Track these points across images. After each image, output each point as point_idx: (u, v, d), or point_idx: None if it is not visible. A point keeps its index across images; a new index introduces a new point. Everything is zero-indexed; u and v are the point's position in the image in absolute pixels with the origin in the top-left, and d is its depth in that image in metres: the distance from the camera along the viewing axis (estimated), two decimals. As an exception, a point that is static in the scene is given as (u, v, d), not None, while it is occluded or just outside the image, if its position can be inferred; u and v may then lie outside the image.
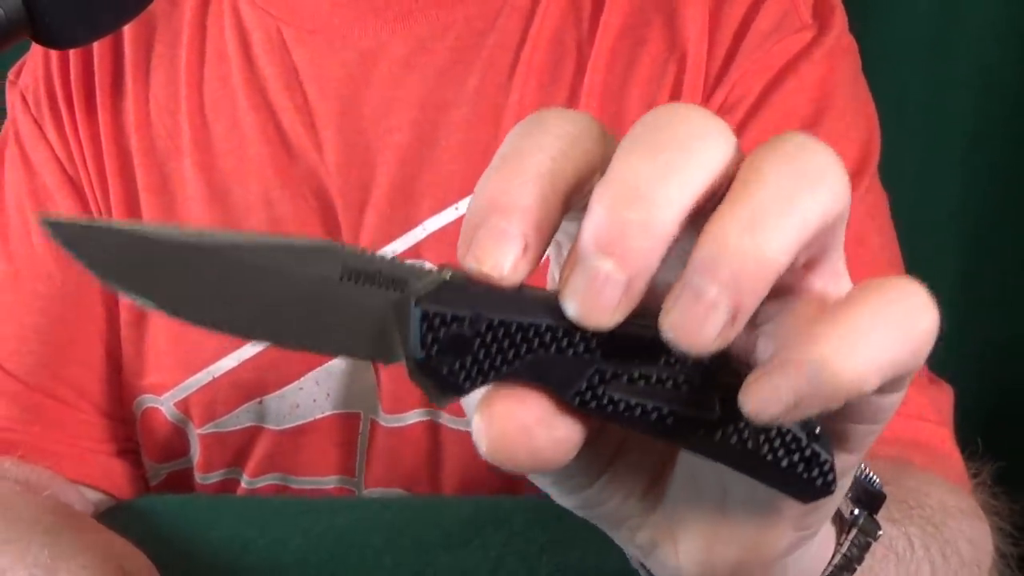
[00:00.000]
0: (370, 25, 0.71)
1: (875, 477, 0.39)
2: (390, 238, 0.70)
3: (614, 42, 0.69)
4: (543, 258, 0.31)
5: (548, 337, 0.30)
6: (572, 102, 0.69)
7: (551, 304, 0.30)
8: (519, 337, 0.30)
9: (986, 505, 0.63)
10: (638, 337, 0.30)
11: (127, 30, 0.75)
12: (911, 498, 0.55)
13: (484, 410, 0.30)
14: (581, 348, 0.30)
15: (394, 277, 0.31)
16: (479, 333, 0.30)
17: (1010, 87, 0.92)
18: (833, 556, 0.39)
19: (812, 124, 0.68)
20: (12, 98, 0.77)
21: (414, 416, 0.71)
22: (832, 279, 0.32)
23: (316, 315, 0.31)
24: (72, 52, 0.75)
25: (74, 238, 0.31)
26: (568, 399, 0.30)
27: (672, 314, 0.29)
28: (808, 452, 0.31)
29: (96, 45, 0.75)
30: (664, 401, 0.31)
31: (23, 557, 0.58)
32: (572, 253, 0.30)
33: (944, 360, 0.74)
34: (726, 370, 0.30)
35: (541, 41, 0.70)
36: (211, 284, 0.31)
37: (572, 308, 0.29)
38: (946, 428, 0.67)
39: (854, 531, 0.39)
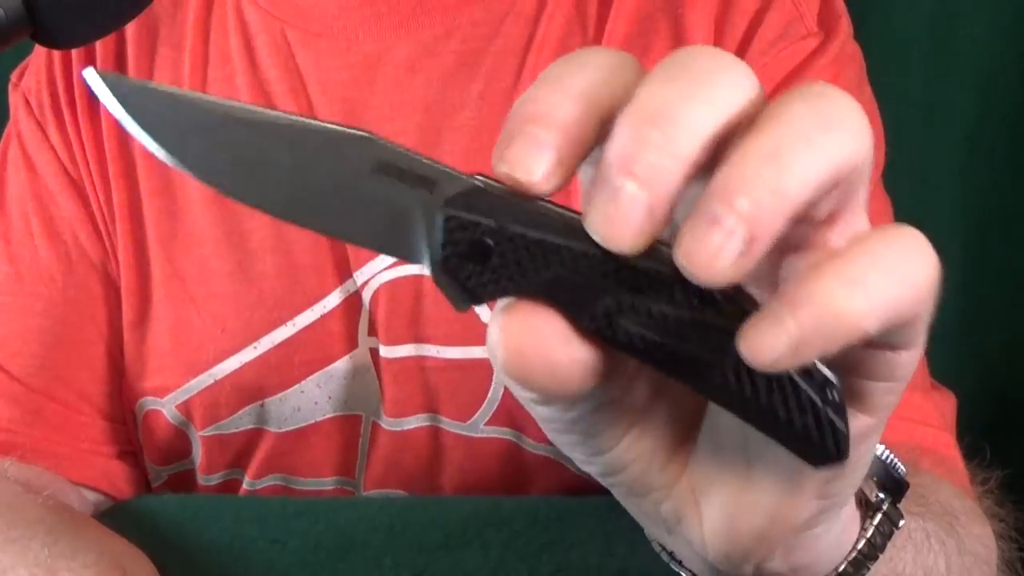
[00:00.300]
0: (375, 29, 0.71)
1: (899, 464, 0.39)
2: None
3: (619, 48, 0.69)
4: (572, 178, 0.31)
5: (569, 257, 0.30)
6: None
7: (575, 226, 0.30)
8: (539, 253, 0.30)
9: (991, 511, 0.63)
10: (658, 271, 0.30)
11: (130, 32, 0.75)
12: (926, 494, 0.55)
13: (502, 319, 0.30)
14: (600, 274, 0.30)
15: (425, 176, 0.31)
16: (500, 244, 0.30)
17: (1010, 87, 0.92)
18: (857, 541, 0.39)
19: None
20: (15, 100, 0.77)
21: (416, 421, 0.71)
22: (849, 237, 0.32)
23: (345, 202, 0.31)
24: (75, 54, 0.75)
25: (121, 92, 0.32)
26: (582, 324, 0.30)
27: (686, 240, 0.29)
28: (823, 416, 0.31)
29: (99, 47, 0.75)
30: (678, 339, 0.30)
31: (24, 556, 0.58)
32: (597, 175, 0.30)
33: (945, 360, 0.74)
34: (745, 313, 0.30)
35: (546, 47, 0.70)
36: (246, 156, 0.31)
37: (595, 228, 0.29)
38: (949, 433, 0.68)
39: (879, 516, 0.39)
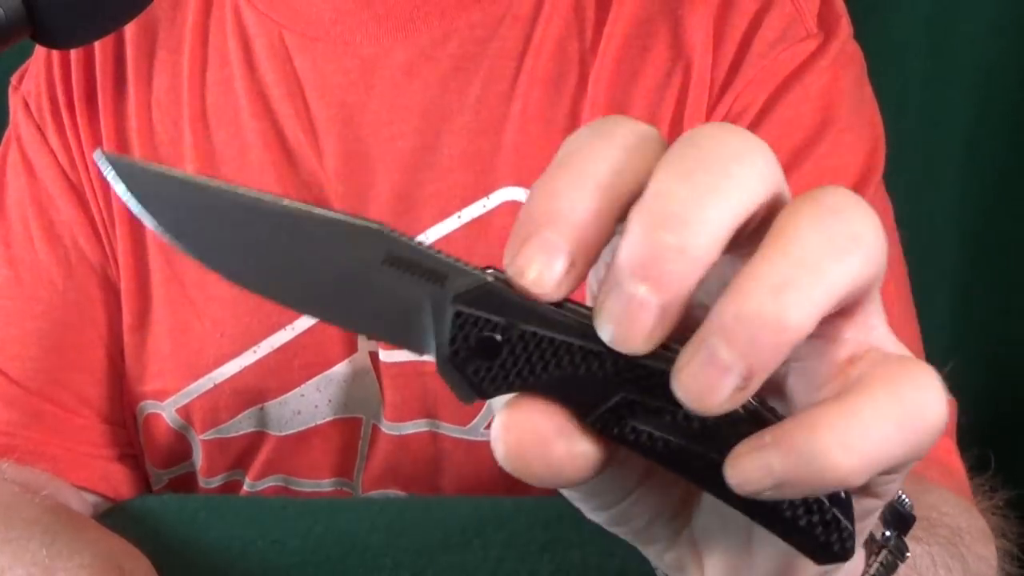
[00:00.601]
0: (372, 32, 0.71)
1: (906, 499, 0.38)
2: None
3: (618, 51, 0.69)
4: (585, 275, 0.31)
5: (578, 357, 0.30)
6: (575, 111, 0.70)
7: (586, 324, 0.30)
8: (549, 352, 0.30)
9: (996, 527, 0.63)
10: (666, 371, 0.29)
11: (129, 35, 0.75)
12: (932, 516, 0.55)
13: (504, 417, 0.30)
14: (609, 374, 0.30)
15: (436, 270, 0.31)
16: (509, 341, 0.30)
17: (1010, 87, 0.93)
18: None
19: (817, 134, 0.68)
20: (15, 104, 0.78)
21: (414, 426, 0.71)
22: (865, 330, 0.31)
23: (354, 294, 0.31)
24: (74, 57, 0.75)
25: (129, 176, 0.32)
26: (589, 421, 0.30)
27: (683, 372, 0.28)
28: (829, 516, 0.30)
29: (98, 50, 0.75)
30: (685, 438, 0.30)
31: (21, 556, 0.59)
32: (608, 275, 0.29)
33: (943, 361, 0.74)
34: (751, 416, 0.30)
35: (544, 50, 0.70)
36: (256, 244, 0.31)
37: (607, 332, 0.29)
38: (950, 438, 0.68)
39: (884, 552, 0.39)
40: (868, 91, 0.73)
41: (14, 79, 0.79)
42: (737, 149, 0.29)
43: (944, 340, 0.91)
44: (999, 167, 0.94)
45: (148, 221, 0.32)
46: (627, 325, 0.29)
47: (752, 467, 0.28)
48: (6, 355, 0.74)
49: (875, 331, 0.31)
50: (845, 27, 0.71)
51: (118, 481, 0.75)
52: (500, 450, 0.30)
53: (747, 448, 0.29)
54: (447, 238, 0.69)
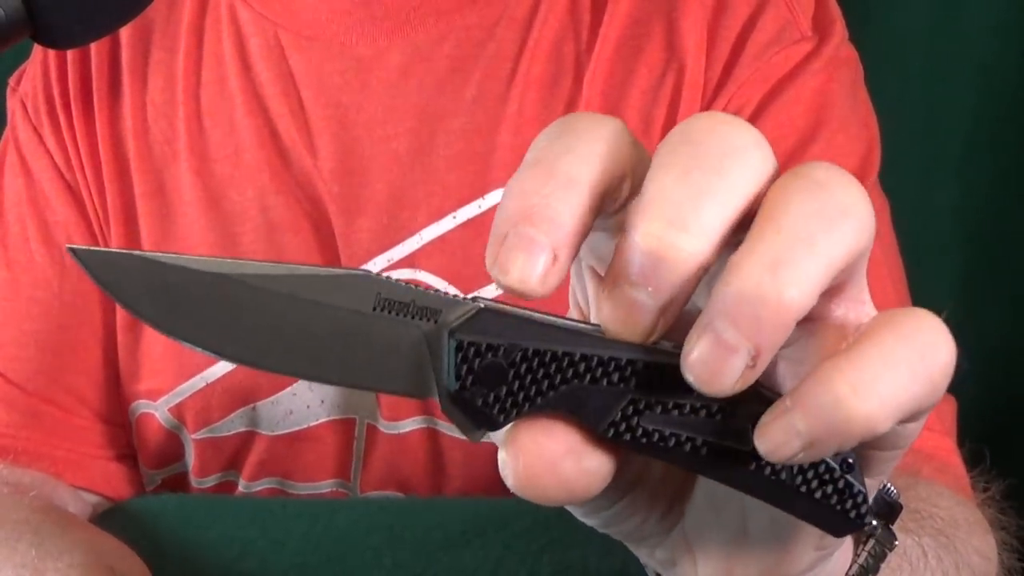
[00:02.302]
0: (368, 32, 0.73)
1: (893, 488, 0.39)
2: (386, 246, 0.72)
3: (613, 53, 0.71)
4: (569, 269, 0.31)
5: (583, 367, 0.31)
6: (570, 112, 0.70)
7: (585, 333, 0.31)
8: (554, 367, 0.31)
9: (993, 520, 0.65)
10: (672, 366, 0.30)
11: (124, 36, 0.77)
12: (923, 508, 0.57)
13: (510, 443, 0.31)
14: (616, 377, 0.31)
15: (427, 307, 0.31)
16: (514, 363, 0.31)
17: (1010, 87, 0.93)
18: (849, 567, 0.39)
19: (810, 135, 0.69)
20: (13, 105, 0.80)
21: (412, 423, 0.72)
22: (854, 305, 0.32)
23: (349, 347, 0.31)
24: (70, 58, 0.77)
25: (101, 267, 0.31)
26: (601, 431, 0.31)
27: (692, 355, 0.29)
28: (842, 484, 0.31)
29: (94, 51, 0.76)
30: (697, 431, 0.31)
31: (10, 557, 0.60)
32: (608, 276, 0.30)
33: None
34: (757, 398, 0.30)
35: (540, 52, 0.72)
36: (242, 316, 0.31)
37: (611, 328, 0.30)
38: (949, 438, 0.69)
39: (871, 542, 0.39)
40: (863, 93, 0.75)
41: (12, 80, 0.81)
42: (733, 143, 0.30)
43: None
44: (999, 167, 0.94)
45: (132, 312, 0.31)
46: (628, 326, 0.30)
47: (779, 432, 0.29)
48: (4, 357, 0.75)
49: (864, 306, 0.32)
50: (839, 30, 0.73)
51: (118, 481, 0.77)
52: (510, 477, 0.31)
53: (771, 416, 0.29)
54: (442, 238, 0.70)
